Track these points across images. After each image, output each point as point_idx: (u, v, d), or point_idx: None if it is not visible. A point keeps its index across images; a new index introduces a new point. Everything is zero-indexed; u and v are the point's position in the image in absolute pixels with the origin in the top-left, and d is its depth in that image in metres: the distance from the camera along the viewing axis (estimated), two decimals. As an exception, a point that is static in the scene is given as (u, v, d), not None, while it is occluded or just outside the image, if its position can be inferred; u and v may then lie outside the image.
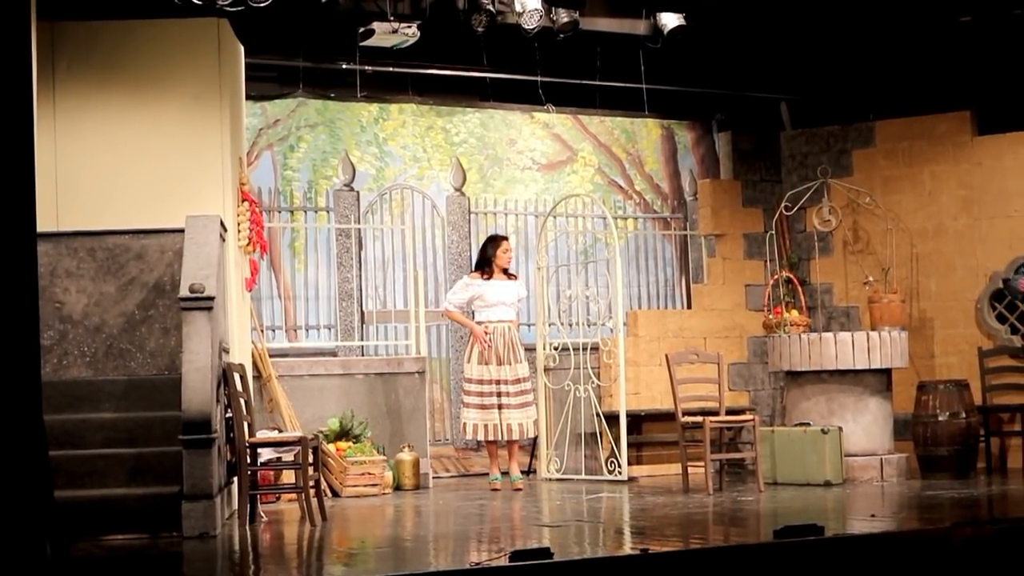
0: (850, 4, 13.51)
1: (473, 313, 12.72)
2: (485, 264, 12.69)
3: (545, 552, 7.23)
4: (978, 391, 13.32)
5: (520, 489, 12.31)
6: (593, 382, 13.25)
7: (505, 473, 12.59)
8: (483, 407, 12.46)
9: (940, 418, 12.78)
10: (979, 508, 10.30)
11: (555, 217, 14.31)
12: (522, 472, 12.92)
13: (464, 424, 12.58)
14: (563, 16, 13.02)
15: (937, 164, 14.32)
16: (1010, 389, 13.43)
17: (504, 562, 7.14)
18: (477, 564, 7.23)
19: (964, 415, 12.81)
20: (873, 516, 9.60)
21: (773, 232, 14.68)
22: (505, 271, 12.72)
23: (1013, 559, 8.12)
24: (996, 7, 13.50)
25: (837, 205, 14.58)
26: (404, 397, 13.02)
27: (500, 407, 12.45)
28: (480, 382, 12.49)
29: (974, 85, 14.12)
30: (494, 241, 12.81)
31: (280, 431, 11.76)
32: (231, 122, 11.41)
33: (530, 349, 13.78)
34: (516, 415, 12.48)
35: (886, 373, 12.65)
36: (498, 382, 12.47)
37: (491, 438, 12.51)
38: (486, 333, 12.47)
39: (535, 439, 13.33)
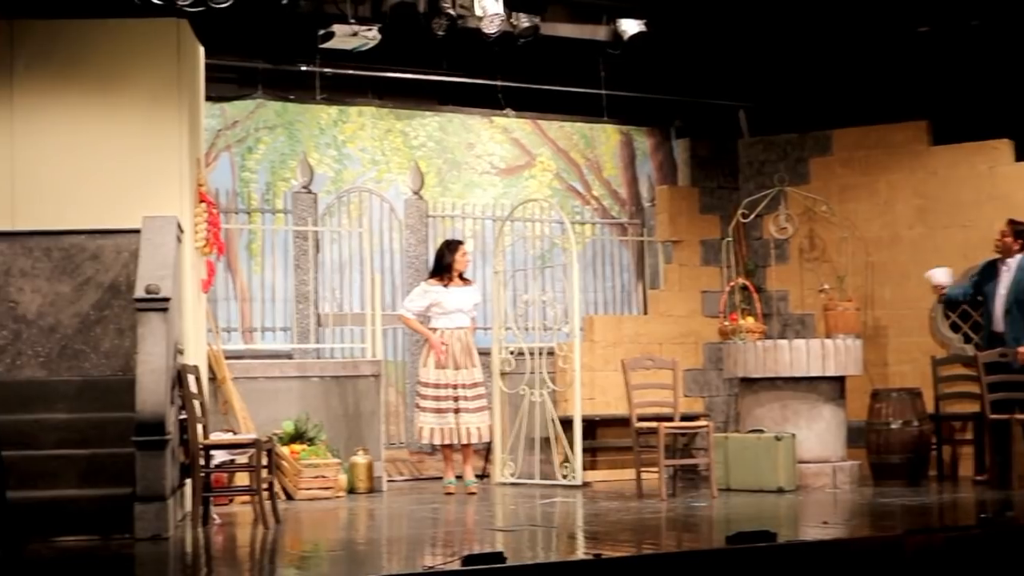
0: (809, 13, 13.58)
1: (429, 319, 12.71)
2: (444, 269, 12.69)
3: (498, 556, 7.24)
4: (931, 399, 13.39)
5: (474, 493, 12.30)
6: (548, 387, 13.27)
7: (459, 477, 12.58)
8: (439, 411, 12.45)
9: (893, 426, 12.86)
10: (930, 516, 10.37)
11: (513, 221, 14.32)
12: (476, 476, 12.92)
13: (420, 428, 12.55)
14: (524, 21, 13.05)
15: (893, 173, 14.40)
16: (962, 398, 13.50)
17: (457, 566, 7.14)
18: (430, 568, 7.23)
19: (917, 423, 12.89)
20: (825, 523, 9.64)
21: (730, 239, 14.73)
22: (461, 275, 12.75)
23: (964, 567, 8.18)
24: (953, 18, 13.60)
25: (794, 213, 14.65)
26: (359, 400, 13.01)
27: (457, 411, 12.44)
28: (436, 386, 12.48)
29: (931, 95, 14.21)
30: (451, 246, 12.82)
31: (234, 433, 11.73)
32: (190, 123, 11.38)
33: (485, 353, 13.78)
34: (473, 419, 12.49)
35: (840, 380, 12.71)
36: (455, 386, 12.47)
37: (447, 442, 12.50)
38: (442, 343, 12.48)
39: (489, 443, 13.32)
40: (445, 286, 12.65)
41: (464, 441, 12.54)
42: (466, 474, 12.61)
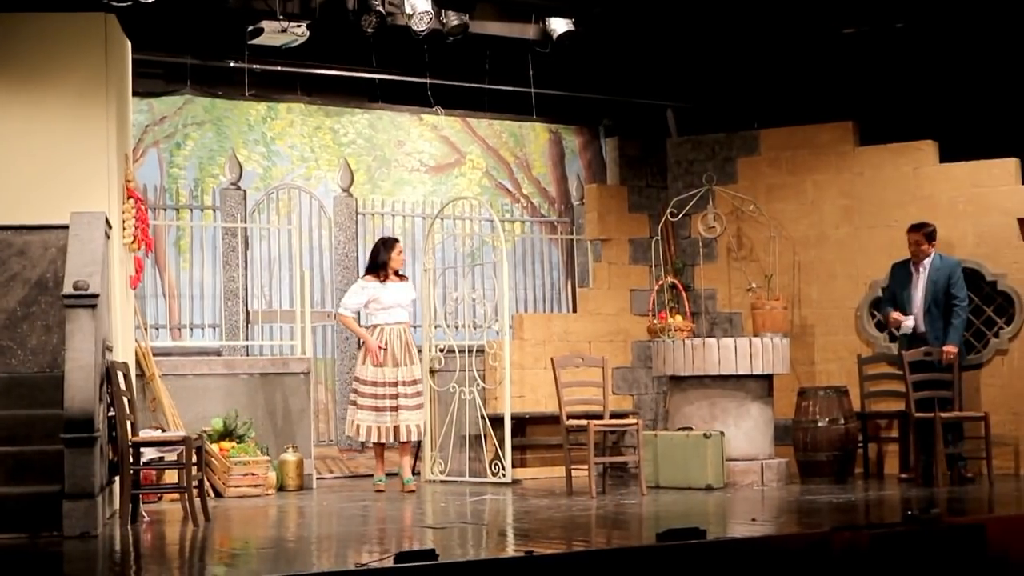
0: (737, 14, 13.67)
1: (360, 316, 12.70)
2: (379, 267, 12.75)
3: (430, 553, 7.25)
4: (857, 397, 13.52)
5: (413, 491, 12.31)
6: (478, 384, 13.29)
7: (393, 474, 12.57)
8: (376, 409, 12.50)
9: (820, 424, 12.97)
10: (857, 513, 10.47)
11: (443, 219, 14.32)
12: (413, 473, 12.88)
13: (357, 425, 12.57)
14: (453, 19, 13.07)
15: (820, 173, 14.52)
16: (887, 396, 13.65)
17: (389, 563, 7.14)
18: (362, 565, 7.22)
19: (843, 421, 13.00)
20: (754, 520, 9.71)
21: (658, 238, 14.80)
22: (396, 272, 12.78)
23: (890, 564, 8.26)
24: (879, 20, 13.74)
25: (722, 212, 14.74)
26: (289, 397, 12.97)
27: (396, 408, 12.49)
28: (375, 384, 12.52)
29: (857, 96, 14.35)
30: (387, 244, 12.87)
31: (163, 430, 11.68)
32: (117, 118, 11.31)
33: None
34: (413, 416, 12.54)
35: (768, 379, 12.81)
36: (395, 383, 12.52)
37: (383, 440, 12.53)
38: (380, 346, 12.53)
39: (419, 441, 13.31)
40: (381, 282, 12.67)
41: (404, 439, 12.57)
42: (404, 471, 12.62)
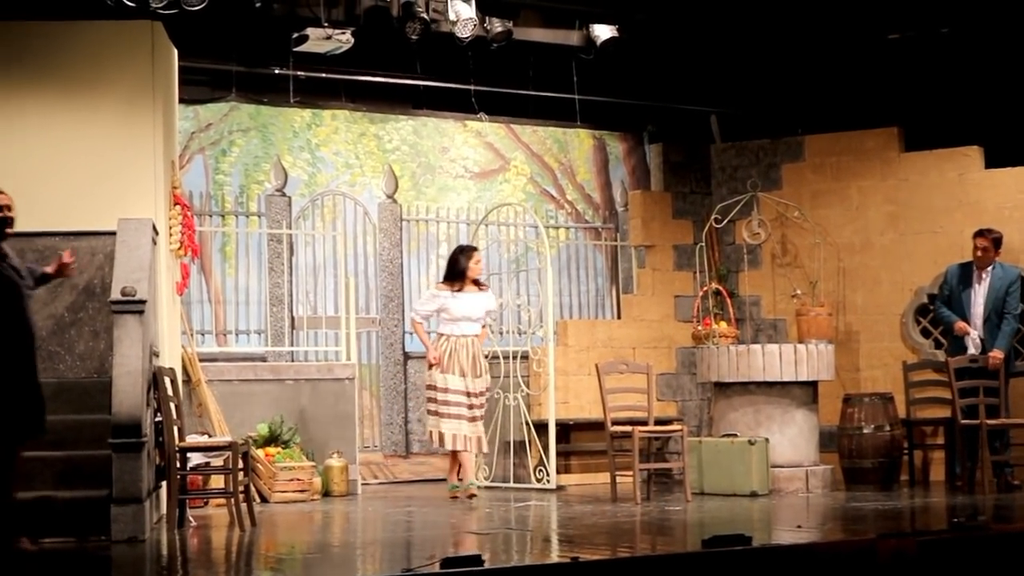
0: (781, 20, 13.65)
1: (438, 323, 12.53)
2: (457, 275, 12.43)
3: (476, 559, 7.26)
4: (902, 404, 13.46)
5: (475, 495, 12.13)
6: (523, 390, 13.30)
7: (437, 480, 12.48)
8: (455, 416, 12.24)
9: (865, 430, 12.92)
10: (903, 520, 10.41)
11: (487, 226, 14.35)
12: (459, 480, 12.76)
13: (440, 434, 12.25)
14: (497, 25, 13.10)
15: (865, 179, 14.47)
16: (933, 403, 13.58)
17: (435, 569, 7.16)
18: (409, 570, 7.24)
19: (888, 428, 12.95)
20: (799, 527, 9.69)
21: (703, 244, 14.78)
22: (475, 281, 12.50)
23: (936, 572, 8.23)
24: (924, 25, 13.69)
25: (766, 218, 14.71)
26: (334, 403, 13.00)
27: (471, 419, 12.29)
28: (446, 391, 12.24)
29: (902, 102, 14.30)
30: (465, 252, 12.55)
31: (209, 436, 11.73)
32: (164, 125, 11.37)
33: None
34: (468, 428, 12.26)
35: (812, 385, 12.76)
36: (468, 393, 12.26)
37: (463, 448, 12.27)
38: (444, 351, 12.25)
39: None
40: (455, 292, 12.38)
41: (476, 449, 12.42)
42: (467, 475, 12.36)
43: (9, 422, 8.72)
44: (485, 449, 12.54)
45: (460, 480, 12.33)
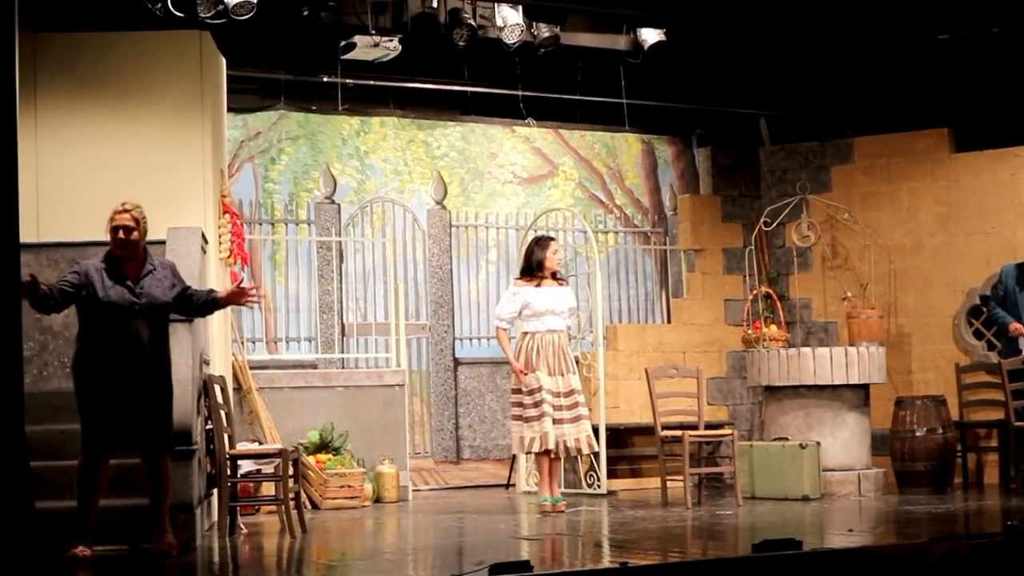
0: (830, 21, 13.58)
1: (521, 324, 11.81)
2: (534, 269, 11.59)
3: (525, 565, 7.25)
4: (955, 407, 13.38)
5: (562, 511, 11.26)
6: (573, 396, 13.25)
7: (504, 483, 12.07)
8: (539, 417, 11.30)
9: (917, 433, 12.84)
10: (956, 523, 10.35)
11: (536, 231, 14.33)
12: (506, 485, 12.57)
13: (520, 439, 11.43)
14: (544, 31, 13.09)
15: (915, 181, 14.39)
16: (986, 405, 13.49)
17: (484, 575, 7.15)
18: (457, 577, 7.25)
19: (941, 430, 12.86)
20: (851, 531, 9.64)
21: (752, 247, 14.73)
22: (555, 275, 11.69)
23: (989, 575, 8.17)
24: (974, 25, 13.60)
25: (816, 221, 14.64)
26: (384, 410, 13.02)
27: (554, 421, 11.32)
28: (532, 391, 11.35)
29: (952, 102, 14.20)
30: (541, 243, 11.68)
31: (260, 443, 11.76)
32: (213, 134, 11.43)
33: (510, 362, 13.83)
34: (571, 431, 11.36)
35: (864, 388, 12.70)
36: (557, 393, 11.39)
37: (547, 447, 11.30)
38: (532, 348, 11.43)
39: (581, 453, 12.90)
40: (536, 287, 11.59)
41: (563, 455, 11.51)
42: (552, 490, 11.44)
43: (93, 432, 8.79)
44: (589, 450, 11.60)
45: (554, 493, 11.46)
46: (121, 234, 8.98)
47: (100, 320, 8.88)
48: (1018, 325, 12.73)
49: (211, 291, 9.43)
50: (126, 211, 9.02)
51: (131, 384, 8.84)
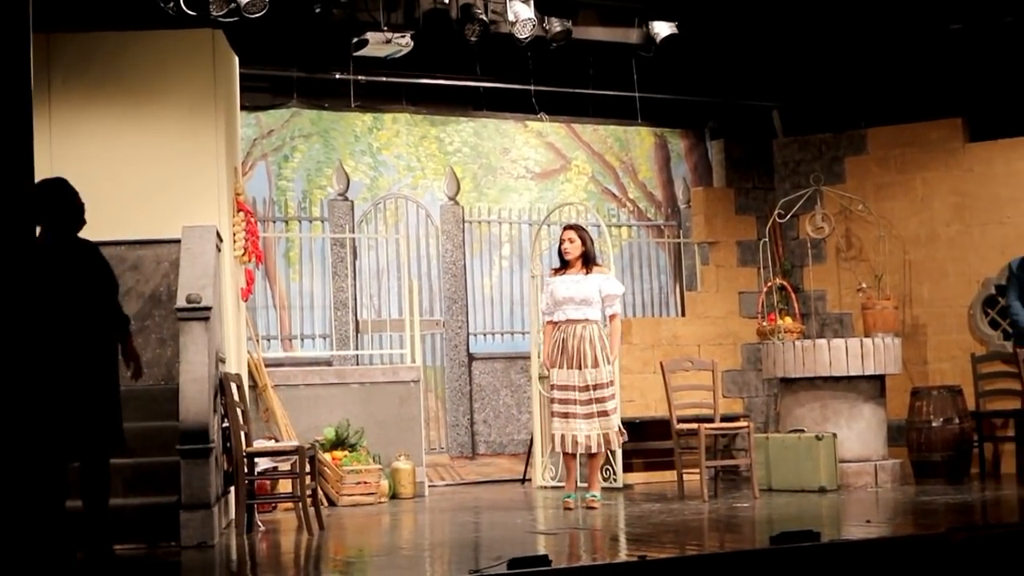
0: (842, 11, 13.57)
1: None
2: (560, 259, 11.48)
3: (543, 559, 7.25)
4: (971, 397, 13.36)
5: (593, 508, 11.07)
6: (588, 390, 13.24)
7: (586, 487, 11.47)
8: (563, 416, 11.18)
9: (934, 424, 12.83)
10: (974, 513, 10.35)
11: (549, 225, 14.33)
12: (522, 480, 12.55)
13: (552, 435, 11.33)
14: (556, 25, 13.08)
15: (929, 171, 14.37)
16: (1003, 395, 13.47)
17: (503, 569, 7.16)
18: (476, 571, 7.25)
19: (958, 421, 12.85)
20: (869, 522, 9.63)
21: (766, 239, 14.72)
22: (587, 263, 11.40)
23: (1009, 565, 8.15)
24: (987, 15, 13.57)
25: (830, 212, 14.63)
26: (399, 406, 13.04)
27: (565, 416, 11.20)
28: (554, 388, 11.26)
29: (965, 92, 14.18)
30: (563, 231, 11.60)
31: (276, 440, 11.78)
32: (226, 132, 11.45)
33: (524, 357, 13.85)
34: (582, 426, 11.17)
35: (880, 379, 12.68)
36: (577, 388, 11.19)
37: (567, 450, 11.26)
38: (557, 338, 11.26)
39: (531, 446, 13.28)
40: (561, 276, 11.41)
41: (569, 450, 11.28)
42: (590, 484, 11.32)
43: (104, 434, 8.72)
44: (616, 446, 11.47)
45: (587, 487, 11.35)
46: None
47: None
48: None
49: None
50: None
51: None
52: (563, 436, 11.20)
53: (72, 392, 8.20)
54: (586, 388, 11.18)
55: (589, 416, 11.17)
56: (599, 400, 11.19)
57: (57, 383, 7.99)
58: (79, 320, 8.33)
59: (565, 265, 11.42)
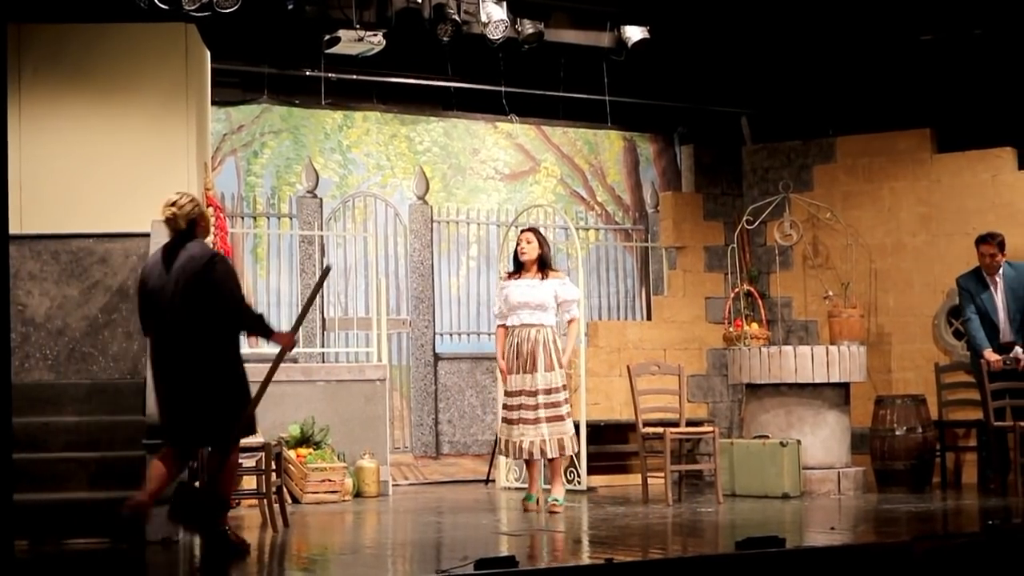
0: (813, 20, 13.63)
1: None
2: (516, 263, 11.36)
3: (511, 560, 7.27)
4: (934, 406, 13.42)
5: (555, 512, 10.90)
6: (553, 392, 13.24)
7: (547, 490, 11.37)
8: (515, 422, 11.09)
9: (897, 432, 12.88)
10: (936, 522, 10.40)
11: (517, 227, 14.33)
12: (486, 480, 12.54)
13: (505, 441, 11.24)
14: (528, 27, 13.10)
15: (897, 181, 14.43)
16: (965, 405, 13.53)
17: (469, 570, 7.16)
18: (443, 571, 7.25)
19: (921, 430, 12.91)
20: (833, 529, 9.67)
21: (734, 245, 14.77)
22: (543, 267, 11.26)
23: (970, 574, 8.21)
24: (956, 27, 13.65)
25: (798, 220, 14.68)
26: (365, 404, 13.01)
27: (512, 422, 11.13)
28: (507, 394, 11.25)
29: (934, 103, 14.25)
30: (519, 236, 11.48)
31: (241, 437, 11.72)
32: (197, 127, 11.42)
33: (490, 358, 13.85)
34: (529, 431, 11.02)
35: (844, 387, 12.73)
36: (527, 393, 11.08)
37: (511, 456, 11.37)
38: (510, 343, 11.18)
39: (493, 452, 13.28)
40: (516, 279, 11.28)
41: (512, 457, 11.40)
42: (553, 488, 11.19)
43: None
44: (571, 451, 11.29)
45: (548, 490, 11.26)
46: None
47: None
48: (991, 354, 12.65)
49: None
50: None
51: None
52: (506, 443, 11.19)
53: (200, 386, 8.75)
54: (538, 393, 11.05)
55: (537, 421, 11.03)
56: (553, 404, 11.08)
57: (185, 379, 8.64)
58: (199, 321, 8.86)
59: (520, 268, 11.31)
